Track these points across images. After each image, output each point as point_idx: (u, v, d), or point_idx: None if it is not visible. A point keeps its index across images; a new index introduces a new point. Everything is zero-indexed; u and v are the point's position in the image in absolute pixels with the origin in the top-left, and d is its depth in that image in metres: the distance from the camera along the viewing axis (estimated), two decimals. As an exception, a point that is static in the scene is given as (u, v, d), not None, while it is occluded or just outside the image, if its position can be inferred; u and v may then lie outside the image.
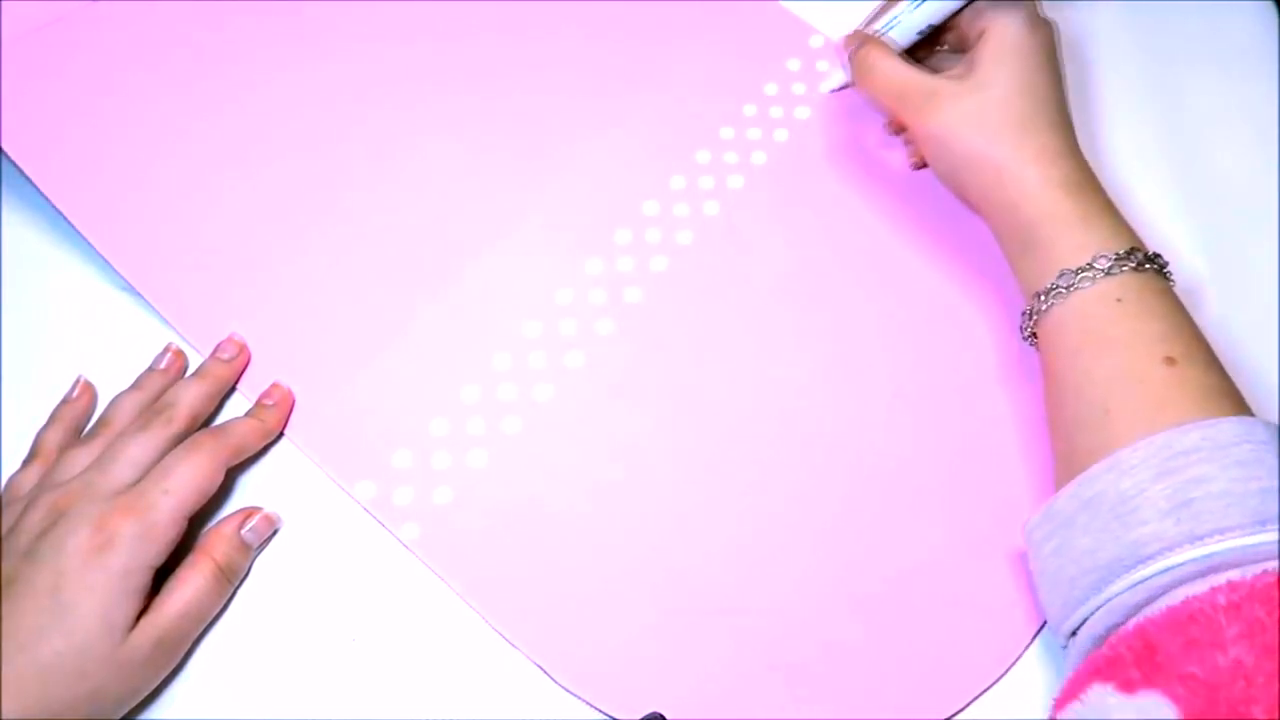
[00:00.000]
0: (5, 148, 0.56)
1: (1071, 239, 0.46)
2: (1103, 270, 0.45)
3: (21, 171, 0.55)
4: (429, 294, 0.56)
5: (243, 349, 0.53)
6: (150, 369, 0.53)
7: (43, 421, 0.52)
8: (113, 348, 0.53)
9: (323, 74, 0.61)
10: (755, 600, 0.49)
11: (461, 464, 0.52)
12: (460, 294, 0.56)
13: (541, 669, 0.47)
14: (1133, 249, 0.46)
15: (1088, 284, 0.45)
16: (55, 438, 0.51)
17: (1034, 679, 0.46)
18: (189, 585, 0.46)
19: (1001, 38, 0.49)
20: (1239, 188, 0.55)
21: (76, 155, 0.57)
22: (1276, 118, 0.56)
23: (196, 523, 0.48)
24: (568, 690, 0.47)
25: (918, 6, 0.52)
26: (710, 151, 0.61)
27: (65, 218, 0.55)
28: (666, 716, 0.45)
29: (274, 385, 0.53)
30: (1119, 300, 0.44)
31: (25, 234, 0.57)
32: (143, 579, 0.44)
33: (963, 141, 0.49)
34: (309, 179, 0.59)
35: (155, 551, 0.45)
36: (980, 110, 0.49)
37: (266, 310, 0.55)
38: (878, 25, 0.54)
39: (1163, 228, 0.54)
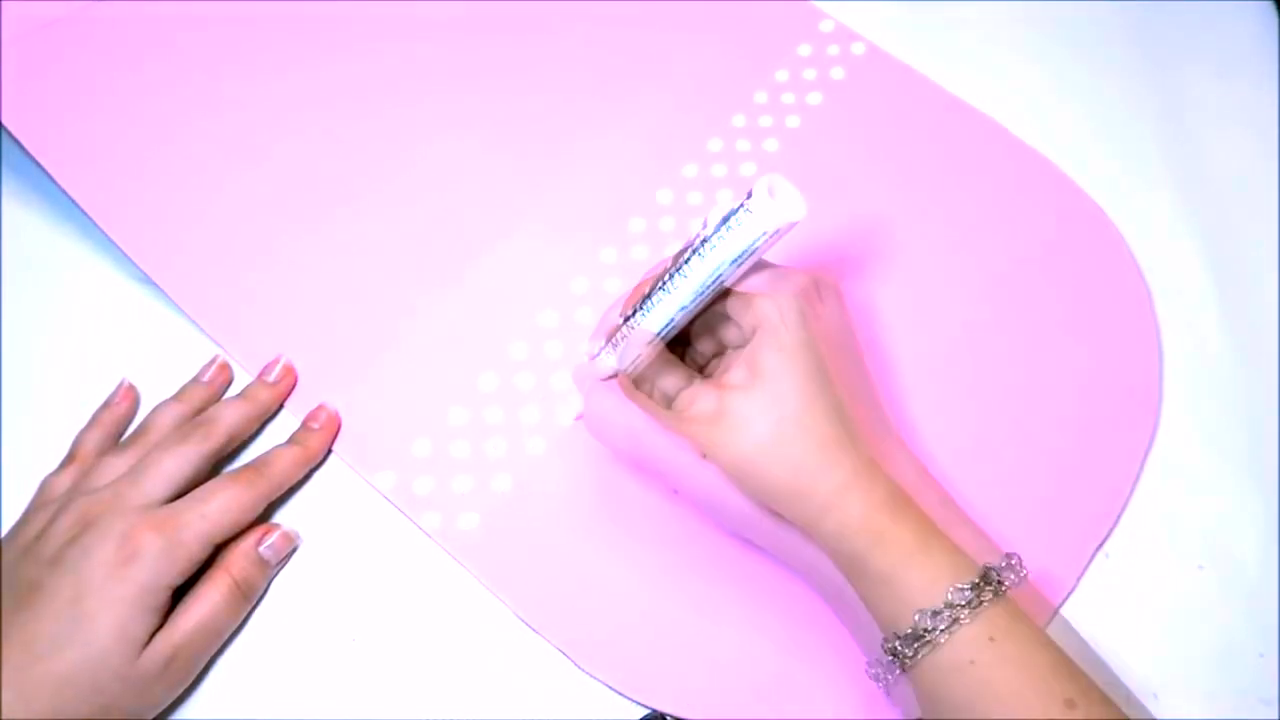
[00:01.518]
0: (42, 161, 0.56)
1: (917, 573, 0.41)
2: (964, 606, 0.40)
3: (52, 178, 0.55)
4: (446, 285, 0.57)
5: (289, 372, 0.53)
6: (194, 380, 0.52)
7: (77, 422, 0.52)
8: (153, 352, 0.54)
9: (335, 72, 0.61)
10: (767, 596, 0.50)
11: (480, 453, 0.53)
12: (476, 284, 0.57)
13: (563, 653, 0.48)
14: (986, 569, 0.41)
15: (956, 628, 0.40)
16: (94, 441, 0.51)
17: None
18: (205, 602, 0.46)
19: (780, 336, 0.42)
20: (1239, 187, 0.55)
21: (103, 157, 0.57)
22: (1276, 118, 0.56)
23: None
24: (589, 674, 0.47)
25: (674, 289, 0.43)
26: (722, 140, 0.61)
27: (93, 220, 0.55)
28: (667, 716, 0.46)
29: (320, 407, 0.52)
30: (991, 639, 0.40)
31: (69, 239, 0.57)
32: (162, 597, 0.44)
33: (766, 474, 0.42)
34: (325, 173, 0.58)
35: (177, 572, 0.45)
36: (778, 436, 0.41)
37: (282, 300, 0.56)
38: (632, 311, 0.45)
39: (1162, 228, 0.54)
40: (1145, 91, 0.57)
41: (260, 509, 0.48)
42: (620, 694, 0.47)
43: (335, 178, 0.58)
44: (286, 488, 0.50)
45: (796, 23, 0.64)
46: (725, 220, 0.41)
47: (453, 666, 0.48)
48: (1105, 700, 0.40)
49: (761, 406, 0.41)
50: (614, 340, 0.45)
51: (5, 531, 0.48)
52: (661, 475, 0.45)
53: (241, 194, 0.58)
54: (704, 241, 0.42)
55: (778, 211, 0.40)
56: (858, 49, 0.63)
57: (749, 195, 0.40)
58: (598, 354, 0.46)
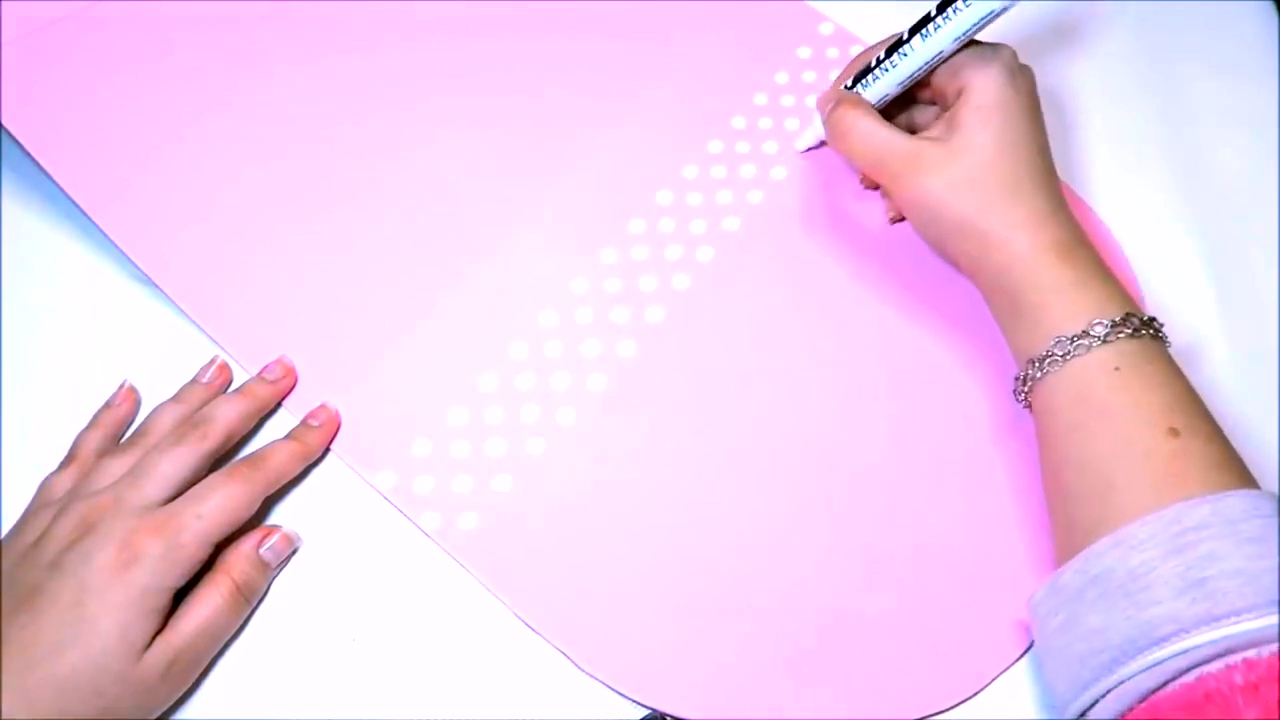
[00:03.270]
0: (42, 161, 0.56)
1: (1065, 304, 0.45)
2: (1099, 337, 0.43)
3: (51, 178, 0.55)
4: (445, 285, 0.56)
5: (289, 372, 0.53)
6: (193, 381, 0.52)
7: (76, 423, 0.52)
8: (153, 352, 0.53)
9: (335, 73, 0.61)
10: (766, 597, 0.50)
11: (480, 453, 0.53)
12: (476, 284, 0.57)
13: (563, 653, 0.48)
14: (1128, 314, 0.44)
15: (1083, 351, 0.44)
16: (93, 443, 0.51)
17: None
18: (206, 604, 0.46)
19: (982, 96, 0.48)
20: (1239, 188, 0.55)
21: (103, 157, 0.57)
22: (1276, 118, 0.56)
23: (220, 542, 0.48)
24: (589, 674, 0.47)
25: (893, 65, 0.50)
26: (723, 141, 0.61)
27: (93, 220, 0.55)
28: (667, 716, 0.46)
29: (321, 406, 0.52)
30: (1117, 369, 0.43)
31: (69, 239, 0.57)
32: (162, 599, 0.44)
33: (948, 208, 0.48)
34: (325, 173, 0.58)
35: (178, 574, 0.45)
36: (965, 176, 0.47)
37: (282, 300, 0.56)
38: (852, 82, 0.53)
39: (1162, 228, 0.55)
40: (1144, 91, 0.58)
41: (257, 504, 0.48)
42: (620, 694, 0.47)
43: (335, 178, 0.58)
44: (283, 483, 0.50)
45: (796, 25, 0.64)
46: (941, 11, 0.47)
47: (452, 666, 0.48)
48: (1213, 435, 0.42)
49: (955, 151, 0.47)
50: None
51: (4, 534, 0.47)
52: (886, 179, 0.49)
53: (241, 194, 0.58)
54: (928, 21, 0.48)
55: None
56: (856, 52, 0.62)
57: None
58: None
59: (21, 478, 0.49)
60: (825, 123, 0.52)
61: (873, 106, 0.51)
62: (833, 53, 0.64)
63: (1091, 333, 0.43)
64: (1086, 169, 0.56)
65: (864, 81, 0.52)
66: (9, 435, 0.51)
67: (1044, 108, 0.53)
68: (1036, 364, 0.45)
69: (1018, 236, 0.46)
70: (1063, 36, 0.59)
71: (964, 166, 0.47)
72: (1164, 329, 0.45)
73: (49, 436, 0.50)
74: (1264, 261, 0.53)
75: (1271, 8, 0.58)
